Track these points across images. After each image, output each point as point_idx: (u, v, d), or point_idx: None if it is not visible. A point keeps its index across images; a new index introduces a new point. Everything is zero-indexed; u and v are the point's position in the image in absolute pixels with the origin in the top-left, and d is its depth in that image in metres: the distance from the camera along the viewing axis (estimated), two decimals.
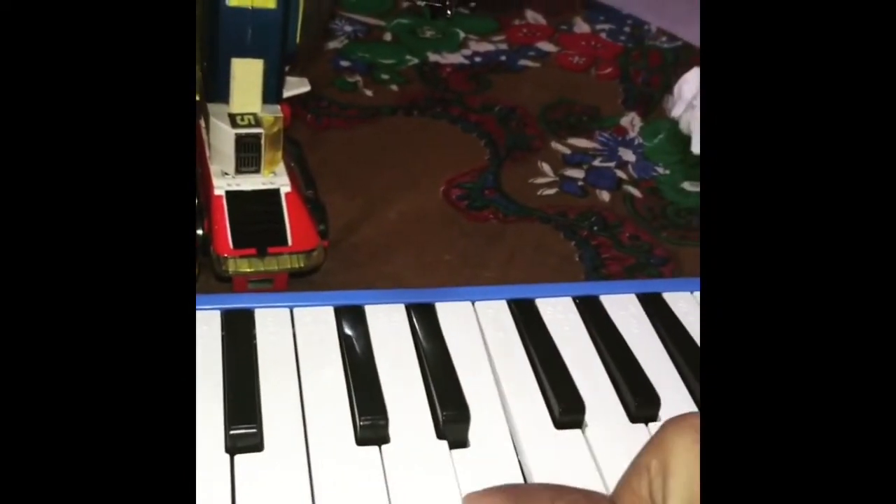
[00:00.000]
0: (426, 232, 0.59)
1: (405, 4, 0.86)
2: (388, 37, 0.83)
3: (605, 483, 0.36)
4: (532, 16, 0.89)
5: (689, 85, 0.72)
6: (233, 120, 0.49)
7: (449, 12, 0.40)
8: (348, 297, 0.44)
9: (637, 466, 0.30)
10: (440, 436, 0.38)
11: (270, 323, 0.42)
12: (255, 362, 0.40)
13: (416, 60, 0.80)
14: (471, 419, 0.38)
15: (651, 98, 0.78)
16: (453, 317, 0.44)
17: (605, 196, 0.65)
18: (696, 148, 0.70)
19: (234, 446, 0.36)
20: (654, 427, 0.39)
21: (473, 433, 0.38)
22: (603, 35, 0.88)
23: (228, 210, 0.49)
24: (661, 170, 0.68)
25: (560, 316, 0.44)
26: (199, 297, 0.43)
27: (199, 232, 0.50)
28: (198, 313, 0.41)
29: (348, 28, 0.83)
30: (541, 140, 0.71)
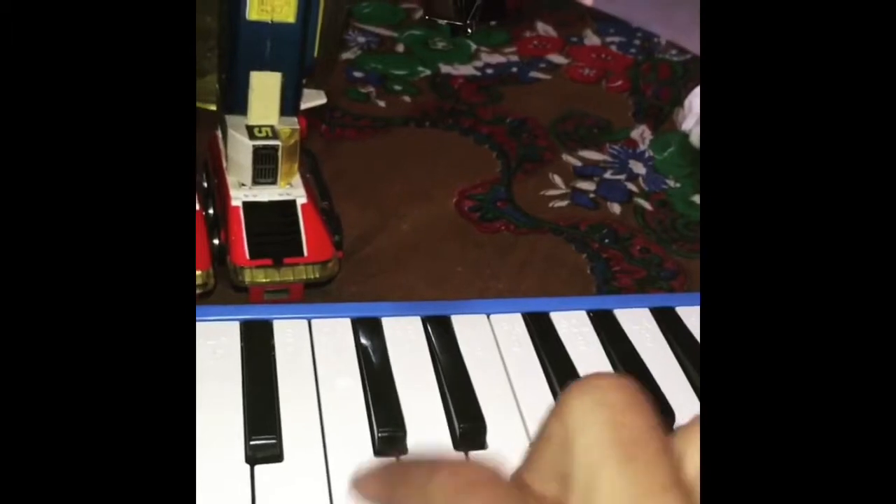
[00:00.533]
0: (439, 243, 0.60)
1: (417, 16, 0.86)
2: (400, 48, 0.83)
3: None
4: (543, 27, 0.90)
5: (700, 98, 0.73)
6: (250, 132, 0.50)
7: (469, 30, 0.40)
8: (365, 310, 0.44)
9: (540, 434, 0.27)
10: (457, 447, 0.38)
11: (289, 334, 0.42)
12: (274, 373, 0.40)
13: (428, 72, 0.80)
14: (487, 431, 0.38)
15: (661, 111, 0.78)
16: (469, 329, 0.44)
17: (616, 208, 0.65)
18: None
19: (254, 456, 0.36)
20: None
21: (490, 445, 0.38)
22: (613, 47, 0.88)
23: (245, 221, 0.49)
24: (671, 183, 0.69)
25: (574, 330, 0.45)
26: (218, 308, 0.43)
27: (216, 242, 0.50)
28: (217, 324, 0.42)
29: (361, 39, 0.84)
30: (552, 152, 0.71)
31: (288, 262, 0.49)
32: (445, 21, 0.41)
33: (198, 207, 0.51)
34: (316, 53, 0.50)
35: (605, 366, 0.43)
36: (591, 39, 0.89)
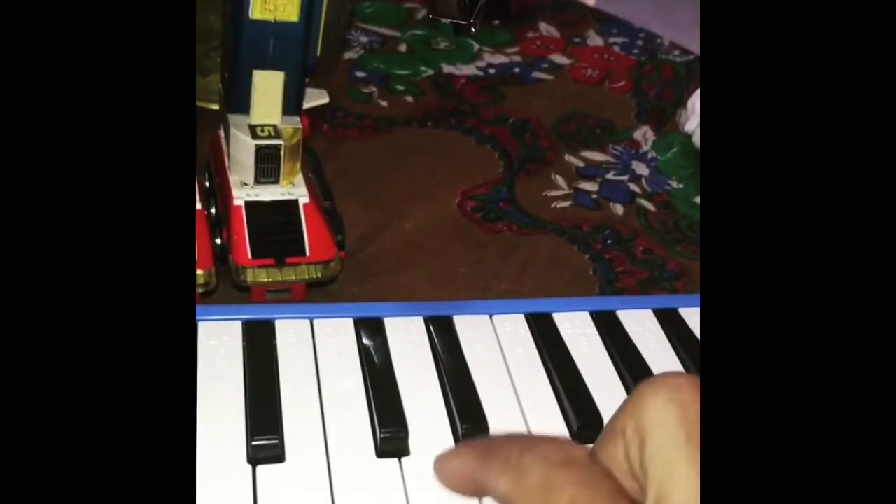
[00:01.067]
0: (441, 243, 0.60)
1: (420, 16, 0.86)
2: (402, 48, 0.83)
3: None
4: (545, 28, 0.90)
5: (700, 99, 0.73)
6: (253, 131, 0.50)
7: (473, 30, 0.40)
8: (368, 310, 0.44)
9: (612, 431, 0.28)
10: None
11: (291, 334, 0.42)
12: (276, 373, 0.40)
13: (430, 72, 0.80)
14: (490, 432, 0.38)
15: (664, 112, 0.78)
16: (471, 330, 0.44)
17: (618, 209, 0.65)
18: None
19: (256, 457, 0.36)
20: None
21: None
22: (616, 48, 0.88)
23: (247, 220, 0.49)
24: (674, 184, 0.69)
25: (577, 330, 0.45)
26: (220, 308, 0.43)
27: (218, 241, 0.50)
28: (219, 324, 0.42)
29: (364, 39, 0.84)
30: (554, 152, 0.71)
31: (290, 261, 0.49)
32: (449, 20, 0.41)
33: (200, 207, 0.50)
34: (319, 53, 0.50)
35: (607, 366, 0.43)
36: (594, 40, 0.89)
